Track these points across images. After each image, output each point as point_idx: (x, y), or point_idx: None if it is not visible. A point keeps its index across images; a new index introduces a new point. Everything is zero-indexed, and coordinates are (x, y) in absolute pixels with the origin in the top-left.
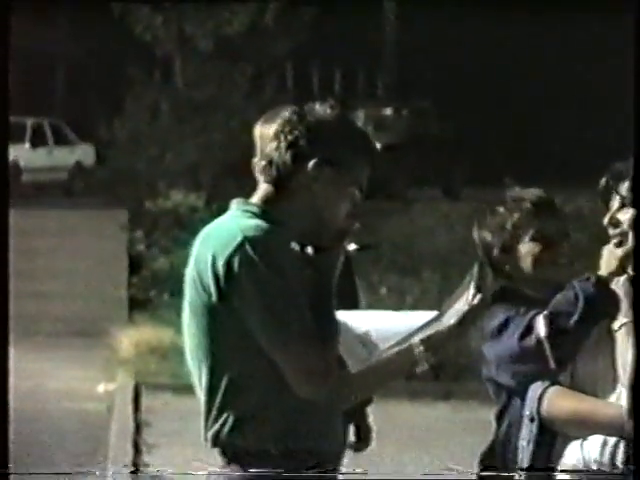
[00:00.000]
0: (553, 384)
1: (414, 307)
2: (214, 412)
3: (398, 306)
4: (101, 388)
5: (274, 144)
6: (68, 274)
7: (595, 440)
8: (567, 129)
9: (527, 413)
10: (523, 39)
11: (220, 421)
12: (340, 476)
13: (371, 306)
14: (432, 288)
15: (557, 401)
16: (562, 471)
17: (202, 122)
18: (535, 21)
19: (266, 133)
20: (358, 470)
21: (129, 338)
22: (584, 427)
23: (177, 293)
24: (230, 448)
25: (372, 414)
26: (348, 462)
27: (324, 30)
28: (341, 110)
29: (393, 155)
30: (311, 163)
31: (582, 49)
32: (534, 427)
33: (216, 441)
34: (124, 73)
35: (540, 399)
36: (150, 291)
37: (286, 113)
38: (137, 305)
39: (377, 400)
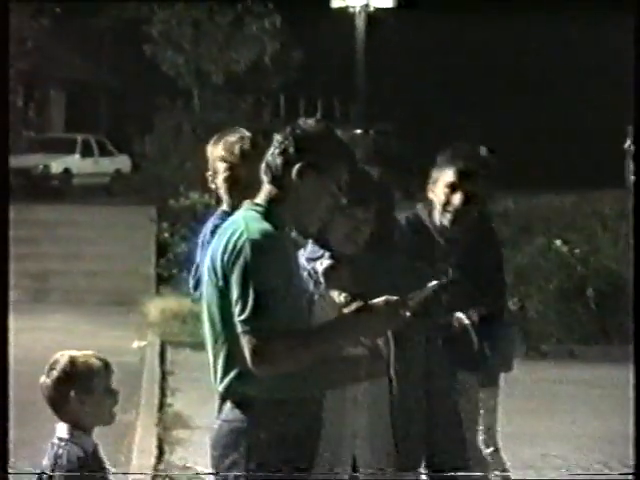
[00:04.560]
0: None
1: None
2: (222, 370)
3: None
4: (135, 345)
5: (271, 150)
6: (109, 257)
7: None
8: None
9: None
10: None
11: (229, 376)
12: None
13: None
14: None
15: None
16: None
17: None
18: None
19: (214, 151)
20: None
21: (156, 306)
22: None
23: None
24: (237, 397)
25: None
26: None
27: (309, 68)
28: (325, 124)
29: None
30: (296, 167)
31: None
32: None
33: (227, 392)
34: (154, 101)
35: None
36: (173, 270)
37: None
38: (163, 281)
39: None
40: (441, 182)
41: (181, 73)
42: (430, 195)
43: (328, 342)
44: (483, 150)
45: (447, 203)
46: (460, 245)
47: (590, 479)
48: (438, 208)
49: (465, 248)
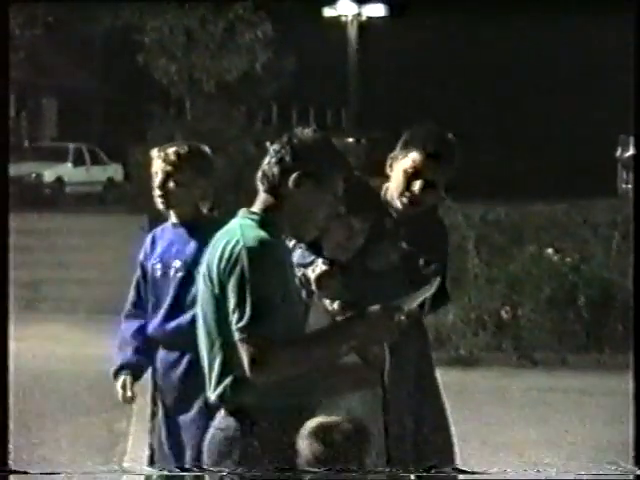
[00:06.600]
0: None
1: None
2: (217, 377)
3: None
4: None
5: (267, 160)
6: (102, 265)
7: None
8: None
9: None
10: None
11: (222, 384)
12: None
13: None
14: None
15: None
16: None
17: None
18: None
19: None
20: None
21: None
22: None
23: None
24: (231, 405)
25: None
26: None
27: (302, 76)
28: (321, 133)
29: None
30: (292, 176)
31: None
32: None
33: (221, 399)
34: (146, 109)
35: None
36: None
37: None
38: None
39: None
40: (402, 165)
41: (173, 82)
42: (388, 171)
43: (327, 349)
44: (450, 136)
45: (405, 189)
46: (409, 229)
47: (591, 479)
48: (395, 192)
49: (414, 234)
